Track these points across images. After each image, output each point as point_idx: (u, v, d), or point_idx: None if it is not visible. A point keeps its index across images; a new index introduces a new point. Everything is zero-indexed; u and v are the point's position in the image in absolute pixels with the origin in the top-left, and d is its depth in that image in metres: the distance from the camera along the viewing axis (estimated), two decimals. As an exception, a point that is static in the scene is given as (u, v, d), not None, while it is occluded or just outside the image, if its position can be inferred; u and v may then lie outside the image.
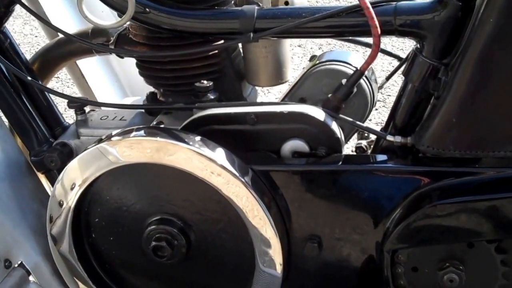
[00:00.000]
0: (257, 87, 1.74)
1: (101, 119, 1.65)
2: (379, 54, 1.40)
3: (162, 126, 1.56)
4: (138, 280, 1.63)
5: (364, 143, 1.69)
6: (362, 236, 1.43)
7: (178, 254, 1.49)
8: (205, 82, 1.53)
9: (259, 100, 1.78)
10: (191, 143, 1.39)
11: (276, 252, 1.42)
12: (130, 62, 1.71)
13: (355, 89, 1.49)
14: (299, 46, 4.18)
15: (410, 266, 1.40)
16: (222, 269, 1.54)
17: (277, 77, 1.62)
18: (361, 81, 1.53)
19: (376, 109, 3.22)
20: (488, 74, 1.28)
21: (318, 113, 1.43)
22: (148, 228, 1.50)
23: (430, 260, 1.39)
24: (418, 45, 1.40)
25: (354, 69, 1.54)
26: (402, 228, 1.36)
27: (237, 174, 1.38)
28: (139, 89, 2.00)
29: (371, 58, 1.41)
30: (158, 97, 1.65)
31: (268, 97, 3.43)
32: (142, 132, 1.45)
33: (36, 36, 4.63)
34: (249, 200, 1.39)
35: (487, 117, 1.30)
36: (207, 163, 1.38)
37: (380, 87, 1.74)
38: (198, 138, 1.42)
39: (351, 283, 1.52)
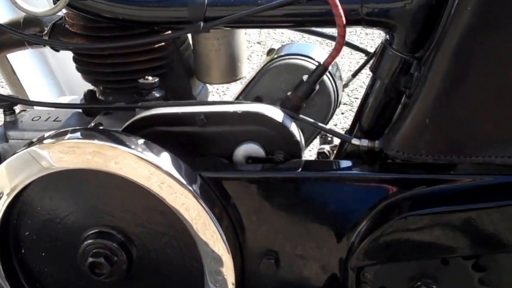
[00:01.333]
0: (209, 85, 1.66)
1: (32, 120, 1.54)
2: (346, 50, 1.32)
3: (101, 128, 1.46)
4: None
5: (327, 148, 1.60)
6: (324, 252, 1.36)
7: (118, 271, 1.39)
8: (149, 78, 1.43)
9: (211, 99, 1.68)
10: (132, 146, 1.30)
11: (228, 271, 1.33)
12: (67, 56, 1.60)
13: (317, 87, 1.40)
14: (259, 43, 4.06)
15: (377, 285, 1.33)
16: None
17: (231, 74, 1.53)
18: (324, 77, 1.45)
19: (342, 113, 3.11)
20: (466, 70, 1.20)
21: (275, 113, 1.35)
22: (84, 243, 1.40)
23: (399, 278, 1.32)
24: (388, 36, 1.31)
25: (317, 64, 1.44)
26: (368, 242, 1.27)
27: (184, 182, 1.29)
28: (77, 87, 1.88)
29: (336, 51, 1.32)
30: (97, 95, 1.55)
31: (227, 97, 3.31)
32: (78, 134, 1.36)
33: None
34: (197, 211, 1.29)
35: (464, 118, 1.23)
36: (150, 169, 1.28)
37: (346, 85, 1.65)
38: (140, 141, 1.32)
39: None
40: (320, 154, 1.63)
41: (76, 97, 1.69)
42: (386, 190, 1.30)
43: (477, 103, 1.22)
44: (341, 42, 1.30)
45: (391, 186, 1.30)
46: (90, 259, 1.38)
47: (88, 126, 1.49)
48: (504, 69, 1.20)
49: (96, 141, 1.29)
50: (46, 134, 1.37)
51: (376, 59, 1.34)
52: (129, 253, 1.40)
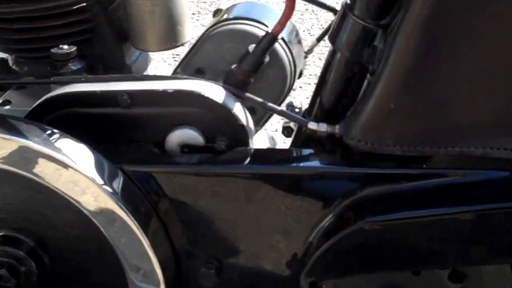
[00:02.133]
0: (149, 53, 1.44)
1: None
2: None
3: (7, 107, 1.30)
4: None
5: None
6: (272, 261, 1.20)
7: (27, 284, 1.21)
8: (65, 47, 1.24)
9: (150, 71, 1.46)
10: (34, 137, 1.11)
11: (157, 274, 1.16)
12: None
13: (267, 58, 1.22)
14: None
15: None
16: None
17: (170, 39, 1.32)
18: (277, 46, 1.25)
19: (309, 84, 2.84)
20: (440, 41, 1.00)
21: (215, 91, 1.18)
22: None
23: None
24: (348, -1, 1.10)
25: (266, 30, 1.23)
26: (324, 252, 1.09)
27: (100, 181, 1.10)
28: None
29: (285, 17, 1.16)
30: (10, 64, 1.36)
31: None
32: None
33: None
34: (116, 215, 1.11)
35: (438, 102, 1.04)
36: (56, 166, 1.09)
37: (309, 52, 1.44)
38: (47, 129, 1.14)
39: None
40: (286, 129, 1.44)
41: None
42: (346, 187, 1.13)
43: (454, 83, 1.02)
44: (290, 6, 1.13)
45: (352, 183, 1.13)
46: None
47: None
48: (489, 38, 0.99)
49: None
50: None
51: (334, 27, 1.14)
52: (40, 261, 1.22)
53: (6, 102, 1.30)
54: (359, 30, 1.09)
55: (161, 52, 1.48)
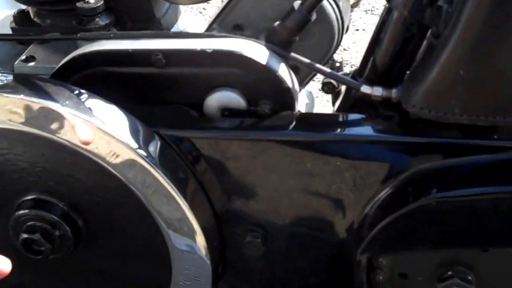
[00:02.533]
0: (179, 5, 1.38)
1: None
2: None
3: (32, 64, 1.24)
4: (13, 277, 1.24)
5: (334, 78, 1.33)
6: (324, 229, 1.16)
7: (63, 248, 1.18)
8: (91, 0, 1.19)
9: (181, 25, 1.40)
10: (65, 100, 1.05)
11: (199, 240, 1.13)
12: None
13: (313, 16, 1.14)
14: None
15: (395, 272, 1.12)
16: (129, 263, 1.25)
17: (202, -11, 1.25)
18: (324, 3, 1.17)
19: (354, 43, 2.75)
20: None
21: (258, 50, 1.12)
22: (16, 213, 1.17)
23: (425, 265, 1.10)
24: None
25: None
26: (384, 228, 1.05)
27: (136, 146, 1.05)
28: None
29: None
30: (32, 17, 1.28)
31: (204, 19, 2.89)
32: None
33: None
34: (154, 182, 1.07)
35: None
36: (90, 130, 1.04)
37: (354, 5, 1.36)
38: (77, 90, 1.08)
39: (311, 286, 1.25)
40: (326, 84, 1.36)
41: (6, 15, 1.40)
42: (407, 158, 1.07)
43: None
44: None
45: (413, 153, 1.07)
46: (23, 236, 1.16)
47: (18, 61, 1.26)
48: None
49: (11, 96, 1.04)
50: None
51: None
52: (74, 225, 1.18)
53: (30, 58, 1.24)
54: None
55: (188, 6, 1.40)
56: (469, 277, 1.08)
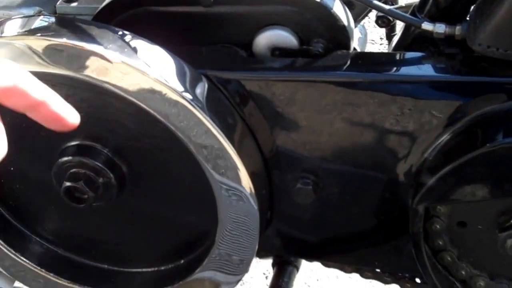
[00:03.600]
0: None
1: None
2: None
3: (74, 4, 1.21)
4: (56, 221, 1.34)
5: (389, 11, 1.26)
6: (379, 176, 1.12)
7: (106, 196, 1.18)
8: None
9: None
10: (108, 43, 1.02)
11: (246, 186, 1.10)
12: None
13: None
14: None
15: (454, 220, 1.09)
16: (174, 210, 1.24)
17: None
18: None
19: None
20: None
21: None
22: (59, 160, 1.16)
23: (485, 213, 1.07)
24: None
25: None
26: (446, 175, 1.00)
27: (181, 89, 1.01)
28: None
29: None
30: None
31: None
32: (43, 25, 1.08)
33: None
34: (201, 126, 1.03)
35: None
36: (133, 74, 1.01)
37: None
38: (120, 32, 1.06)
39: (362, 236, 1.23)
40: (380, 18, 1.30)
41: None
42: (471, 100, 1.01)
43: None
44: None
45: (478, 94, 1.01)
46: (66, 183, 1.15)
47: (59, 1, 1.23)
48: None
49: (55, 40, 1.01)
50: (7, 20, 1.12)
51: None
52: (118, 173, 1.16)
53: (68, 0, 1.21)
54: None
55: None
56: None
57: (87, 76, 1.03)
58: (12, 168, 1.25)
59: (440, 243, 1.11)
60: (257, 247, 1.18)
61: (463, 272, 1.14)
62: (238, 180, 1.10)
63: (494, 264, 1.13)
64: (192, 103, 1.01)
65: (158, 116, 1.03)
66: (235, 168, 1.09)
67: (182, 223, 1.25)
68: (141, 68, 1.00)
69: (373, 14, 1.32)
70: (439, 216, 1.08)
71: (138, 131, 1.13)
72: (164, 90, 1.01)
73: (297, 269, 1.44)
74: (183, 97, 1.01)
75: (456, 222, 1.09)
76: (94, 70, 1.02)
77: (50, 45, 1.03)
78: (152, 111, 1.03)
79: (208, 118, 1.02)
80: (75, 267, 1.35)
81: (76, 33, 1.03)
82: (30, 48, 1.02)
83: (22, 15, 1.17)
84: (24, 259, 1.32)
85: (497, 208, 1.06)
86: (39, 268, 1.33)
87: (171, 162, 1.16)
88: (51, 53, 1.03)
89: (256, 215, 1.14)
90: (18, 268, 1.34)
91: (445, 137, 1.03)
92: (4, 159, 0.59)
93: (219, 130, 1.04)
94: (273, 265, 1.46)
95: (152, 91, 1.01)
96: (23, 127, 1.13)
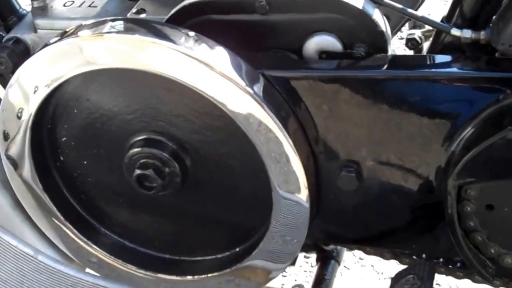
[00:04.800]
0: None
1: (64, 5, 1.42)
2: None
3: (143, 16, 1.34)
4: (123, 213, 1.45)
5: (418, 33, 1.38)
6: (417, 163, 1.23)
7: (172, 184, 1.30)
8: None
9: None
10: (180, 41, 1.17)
11: (299, 174, 1.22)
12: None
13: None
14: None
15: (483, 203, 1.19)
16: (231, 200, 1.36)
17: None
18: None
19: None
20: None
21: None
22: (130, 152, 1.30)
23: (510, 196, 1.17)
24: None
25: None
26: (473, 156, 1.12)
27: (244, 84, 1.16)
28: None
29: None
30: None
31: None
32: (117, 25, 1.23)
33: None
34: (260, 117, 1.17)
35: None
36: (201, 69, 1.15)
37: None
38: (190, 34, 1.20)
39: (401, 222, 1.34)
40: (410, 41, 1.43)
41: None
42: (495, 93, 1.14)
43: None
44: None
45: (501, 88, 1.13)
46: (137, 171, 1.29)
47: (129, 13, 1.36)
48: None
49: (137, 36, 1.17)
50: (83, 24, 1.26)
51: None
52: (183, 164, 1.30)
53: (141, 10, 1.34)
54: None
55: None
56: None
57: (158, 71, 1.16)
58: (85, 163, 1.37)
59: (472, 224, 1.21)
60: (304, 239, 1.30)
61: (492, 251, 1.23)
62: (298, 190, 1.23)
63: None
64: (254, 96, 1.15)
65: (222, 108, 1.17)
66: (296, 180, 1.21)
67: (238, 216, 1.36)
68: (209, 64, 1.14)
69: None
70: (469, 199, 1.18)
71: (200, 125, 1.25)
72: (229, 85, 1.15)
73: (339, 263, 1.56)
74: (246, 91, 1.15)
75: (484, 205, 1.19)
76: (164, 65, 1.16)
77: (124, 41, 1.17)
78: (216, 103, 1.16)
79: (268, 110, 1.16)
80: (140, 256, 1.46)
81: (149, 31, 1.18)
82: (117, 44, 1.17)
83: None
84: (95, 247, 1.45)
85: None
86: (108, 255, 1.45)
87: (231, 156, 1.28)
88: (125, 50, 1.17)
89: (307, 212, 1.26)
90: (87, 255, 1.47)
91: (469, 129, 1.15)
92: None
93: (277, 121, 1.16)
94: (317, 260, 1.57)
95: (217, 86, 1.15)
96: (96, 126, 1.30)
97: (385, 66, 1.19)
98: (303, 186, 1.22)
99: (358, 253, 2.17)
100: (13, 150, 1.35)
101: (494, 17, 1.16)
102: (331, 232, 1.40)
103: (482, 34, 1.16)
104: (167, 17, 1.27)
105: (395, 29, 1.35)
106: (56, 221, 1.43)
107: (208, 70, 1.14)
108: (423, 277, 1.25)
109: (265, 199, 1.27)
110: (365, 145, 1.24)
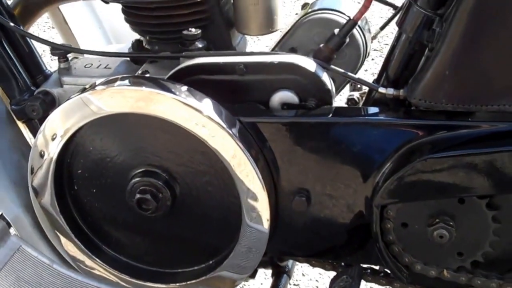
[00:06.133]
0: (247, 36, 1.79)
1: (85, 67, 1.68)
2: (377, 5, 1.40)
3: (147, 75, 1.61)
4: (121, 234, 1.70)
5: (356, 94, 1.73)
6: (352, 191, 1.49)
7: (163, 207, 1.56)
8: (193, 30, 1.57)
9: (248, 49, 1.83)
10: (177, 93, 1.44)
11: (263, 207, 1.48)
12: (115, 8, 1.75)
13: (347, 40, 1.55)
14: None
15: (399, 221, 1.47)
16: (208, 223, 1.60)
17: (268, 26, 1.66)
18: (354, 31, 1.58)
19: (373, 59, 3.29)
20: (483, 26, 1.31)
21: (308, 63, 1.48)
22: (132, 181, 1.56)
23: (419, 215, 1.45)
24: (413, -6, 1.43)
25: (347, 18, 1.59)
26: (391, 182, 1.41)
27: (224, 126, 1.43)
28: (123, 36, 2.05)
29: (364, 8, 1.48)
30: (144, 45, 1.70)
31: (258, 46, 3.50)
32: (127, 81, 1.50)
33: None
34: (236, 152, 1.44)
35: (480, 70, 1.34)
36: (193, 114, 1.42)
37: (374, 37, 1.79)
38: (184, 88, 1.47)
39: (340, 239, 1.59)
40: (350, 100, 1.75)
41: (123, 46, 1.83)
42: (409, 135, 1.42)
43: (492, 57, 1.33)
44: (369, 1, 1.46)
45: (413, 131, 1.41)
46: (138, 196, 1.56)
47: (136, 74, 1.63)
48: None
49: (144, 88, 1.44)
50: (98, 81, 1.52)
51: (401, 15, 1.47)
52: (172, 190, 1.57)
53: (145, 72, 1.61)
54: (421, 17, 1.41)
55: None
56: (451, 223, 1.42)
57: (160, 115, 1.42)
58: (94, 190, 1.64)
59: (391, 238, 1.48)
60: (261, 256, 1.54)
61: (407, 260, 1.49)
62: (261, 223, 1.47)
63: (426, 253, 1.48)
64: (234, 137, 1.42)
65: (208, 144, 1.43)
66: (262, 215, 1.45)
67: (212, 235, 1.60)
68: (199, 109, 1.41)
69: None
70: (389, 218, 1.46)
71: (188, 159, 1.49)
72: (214, 126, 1.42)
73: (289, 276, 1.84)
74: (227, 131, 1.42)
75: (400, 223, 1.46)
76: (166, 111, 1.42)
77: (132, 93, 1.42)
78: (204, 141, 1.42)
79: (243, 147, 1.42)
80: (133, 268, 1.70)
81: (153, 84, 1.44)
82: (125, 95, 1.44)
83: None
84: (98, 260, 1.69)
85: (427, 212, 1.44)
86: (108, 267, 1.69)
87: (210, 185, 1.52)
88: (133, 99, 1.42)
89: (267, 236, 1.51)
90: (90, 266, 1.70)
91: (389, 164, 1.44)
92: None
93: (250, 157, 1.43)
94: (272, 274, 1.84)
95: (205, 127, 1.42)
96: (106, 160, 1.56)
97: (330, 115, 1.47)
98: (265, 220, 1.48)
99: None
100: (36, 182, 1.60)
101: (410, 79, 1.46)
102: (284, 248, 1.65)
103: (401, 92, 1.44)
104: (166, 77, 1.53)
105: (338, 89, 1.65)
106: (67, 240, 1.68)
107: (198, 114, 1.42)
108: (354, 276, 1.55)
109: (235, 224, 1.51)
110: (313, 176, 1.49)
